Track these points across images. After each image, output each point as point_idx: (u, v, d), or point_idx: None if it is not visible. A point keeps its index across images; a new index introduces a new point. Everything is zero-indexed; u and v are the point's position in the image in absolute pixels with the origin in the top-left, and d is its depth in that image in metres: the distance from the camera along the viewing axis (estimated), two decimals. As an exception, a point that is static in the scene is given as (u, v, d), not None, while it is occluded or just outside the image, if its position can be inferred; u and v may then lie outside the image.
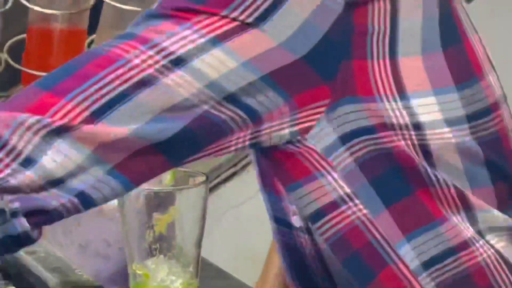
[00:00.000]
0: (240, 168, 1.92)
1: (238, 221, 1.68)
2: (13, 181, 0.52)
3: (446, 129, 0.63)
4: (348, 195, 0.63)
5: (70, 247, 0.78)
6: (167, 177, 0.69)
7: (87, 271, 0.65)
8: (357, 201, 0.63)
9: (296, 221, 0.68)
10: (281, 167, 0.65)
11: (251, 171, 1.94)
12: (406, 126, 0.61)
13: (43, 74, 0.98)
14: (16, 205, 0.53)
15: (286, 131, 0.60)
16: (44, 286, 0.58)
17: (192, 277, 0.68)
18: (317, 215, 0.64)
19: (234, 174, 1.83)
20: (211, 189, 1.71)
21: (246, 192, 1.78)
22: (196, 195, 0.68)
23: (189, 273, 0.68)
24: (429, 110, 0.61)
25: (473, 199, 0.64)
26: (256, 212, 1.78)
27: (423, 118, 0.58)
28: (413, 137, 0.61)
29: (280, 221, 0.72)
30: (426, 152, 0.62)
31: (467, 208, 0.64)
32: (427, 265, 0.64)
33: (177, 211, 0.66)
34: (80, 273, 0.59)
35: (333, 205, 0.63)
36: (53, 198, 0.55)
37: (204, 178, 0.69)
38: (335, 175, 0.63)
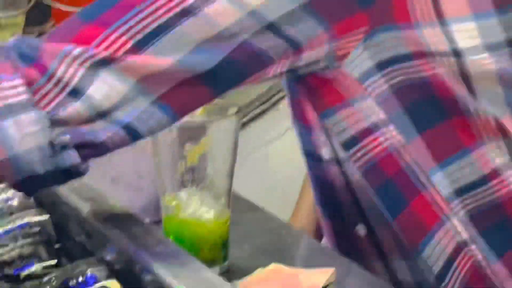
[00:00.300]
0: (270, 105, 1.91)
1: (267, 159, 1.70)
2: (62, 113, 0.53)
3: (486, 55, 0.62)
4: (382, 121, 0.63)
5: (102, 180, 0.79)
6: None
7: (120, 202, 0.66)
8: (391, 127, 0.63)
9: (326, 153, 0.69)
10: (315, 94, 0.66)
11: (281, 108, 1.95)
12: (445, 52, 0.60)
13: (74, 9, 0.98)
14: (66, 138, 0.54)
15: (324, 58, 0.60)
16: (78, 215, 0.59)
17: (224, 208, 0.69)
18: (351, 141, 0.64)
19: (264, 112, 1.82)
20: (241, 127, 1.70)
21: (276, 129, 1.79)
22: (228, 127, 0.68)
23: (220, 204, 0.68)
24: (468, 35, 0.60)
25: (511, 127, 0.63)
26: (285, 150, 1.79)
27: (462, 44, 0.58)
28: (452, 64, 0.60)
29: (311, 154, 0.73)
30: (465, 79, 0.61)
31: (504, 136, 0.64)
32: (459, 192, 0.65)
33: (209, 142, 0.66)
34: (114, 203, 0.59)
35: (367, 131, 0.63)
36: (101, 131, 0.56)
37: (236, 109, 0.69)
38: (370, 101, 0.63)
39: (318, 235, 0.89)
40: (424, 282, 0.71)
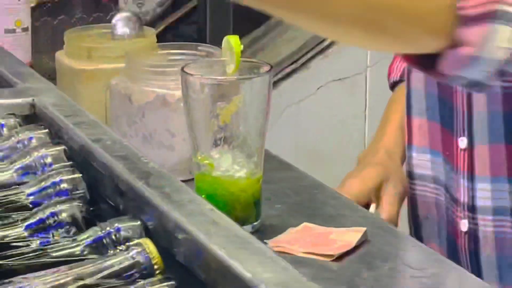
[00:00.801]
0: (301, 65, 1.90)
1: (297, 118, 1.70)
2: None
3: None
4: None
5: (134, 138, 0.79)
6: (231, 66, 0.68)
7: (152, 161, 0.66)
8: None
9: None
10: None
11: (312, 67, 1.94)
12: None
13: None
14: None
15: None
16: (111, 172, 0.59)
17: (256, 166, 0.69)
18: None
19: (294, 71, 1.81)
20: (273, 86, 1.72)
21: (306, 89, 1.78)
22: (260, 85, 0.68)
23: (253, 163, 0.68)
24: None
25: None
26: (316, 109, 1.79)
27: None
28: None
29: None
30: None
31: None
32: None
33: (241, 101, 0.66)
34: (146, 160, 0.59)
35: None
36: None
37: (268, 67, 0.68)
38: None
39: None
40: None
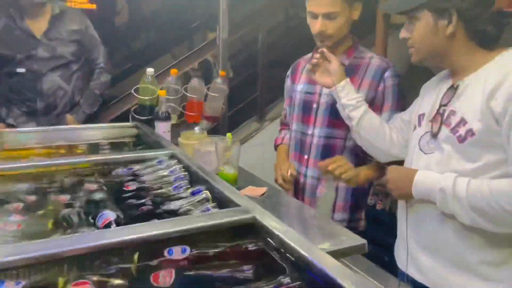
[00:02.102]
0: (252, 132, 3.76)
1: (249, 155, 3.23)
2: None
3: None
4: None
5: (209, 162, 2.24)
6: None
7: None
8: None
9: None
10: None
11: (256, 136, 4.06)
12: None
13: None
14: None
15: None
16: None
17: (235, 170, 2.06)
18: None
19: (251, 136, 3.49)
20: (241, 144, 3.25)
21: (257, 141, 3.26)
22: (237, 147, 2.07)
23: (235, 169, 2.06)
24: None
25: None
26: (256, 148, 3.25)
27: None
28: None
29: None
30: None
31: None
32: None
33: (232, 151, 2.07)
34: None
35: None
36: None
37: (239, 141, 2.14)
38: None
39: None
40: None
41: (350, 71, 2.09)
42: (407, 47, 1.63)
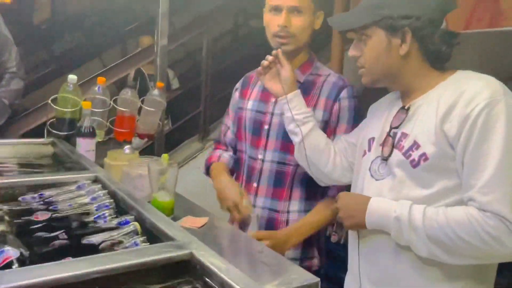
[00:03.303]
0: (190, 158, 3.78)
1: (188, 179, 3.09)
2: None
3: None
4: None
5: (131, 185, 2.12)
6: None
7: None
8: None
9: None
10: None
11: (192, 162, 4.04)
12: None
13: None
14: None
15: None
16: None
17: (172, 197, 1.91)
18: None
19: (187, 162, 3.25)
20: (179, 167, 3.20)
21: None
22: (174, 169, 1.93)
23: (171, 196, 1.90)
24: None
25: None
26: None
27: None
28: None
29: None
30: None
31: None
32: None
33: (167, 175, 1.97)
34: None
35: None
36: None
37: (176, 164, 2.01)
38: None
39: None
40: None
41: (305, 89, 2.05)
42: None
